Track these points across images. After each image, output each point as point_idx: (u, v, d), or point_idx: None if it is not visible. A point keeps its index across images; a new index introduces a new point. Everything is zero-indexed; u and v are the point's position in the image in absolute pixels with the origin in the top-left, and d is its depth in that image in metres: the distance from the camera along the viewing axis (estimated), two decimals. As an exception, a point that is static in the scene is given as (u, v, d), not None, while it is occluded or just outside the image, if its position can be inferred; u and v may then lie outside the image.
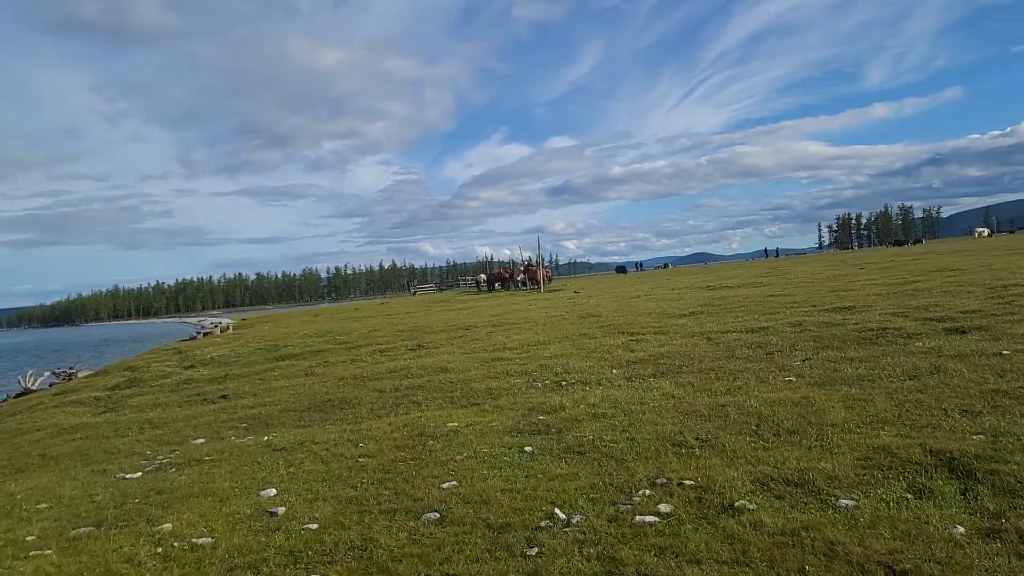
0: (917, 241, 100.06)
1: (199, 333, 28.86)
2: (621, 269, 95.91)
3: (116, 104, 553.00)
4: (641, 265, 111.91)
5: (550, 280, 43.16)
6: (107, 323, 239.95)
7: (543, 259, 46.10)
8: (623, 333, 13.12)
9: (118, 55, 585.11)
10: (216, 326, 31.66)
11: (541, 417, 7.02)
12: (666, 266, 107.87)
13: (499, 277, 53.90)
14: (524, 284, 48.52)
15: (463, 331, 17.03)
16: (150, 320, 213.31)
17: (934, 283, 16.15)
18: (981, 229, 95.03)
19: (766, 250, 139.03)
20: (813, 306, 13.95)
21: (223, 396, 11.54)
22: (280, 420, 8.79)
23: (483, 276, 60.41)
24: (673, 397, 7.32)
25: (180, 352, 22.88)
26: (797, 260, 63.37)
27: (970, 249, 39.35)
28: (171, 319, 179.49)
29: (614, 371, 9.33)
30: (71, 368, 28.12)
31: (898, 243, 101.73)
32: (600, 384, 8.61)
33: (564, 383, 8.93)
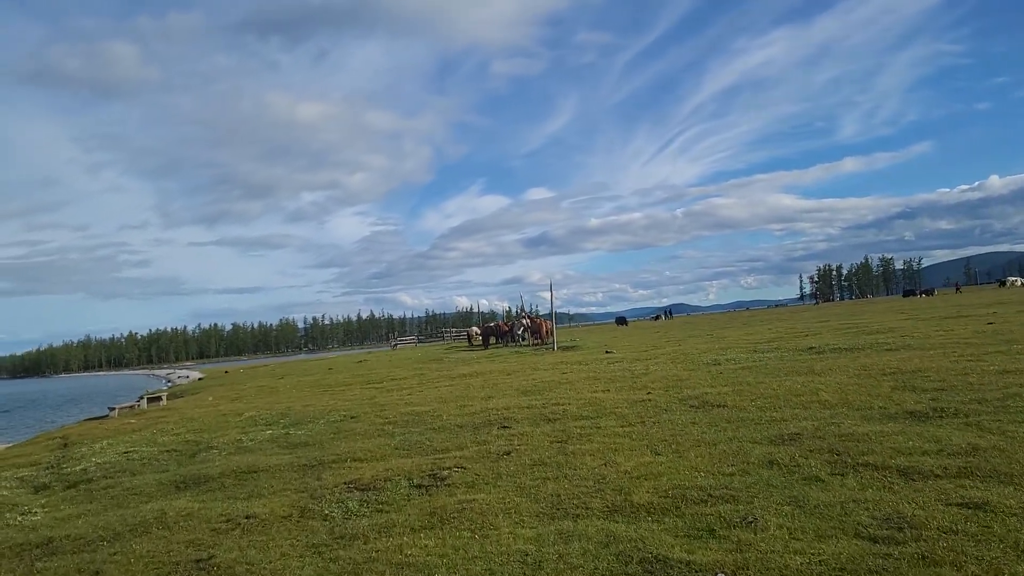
0: (928, 292, 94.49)
1: (113, 410, 21.54)
2: (621, 320, 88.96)
3: (95, 155, 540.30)
4: (671, 312, 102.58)
5: (550, 334, 36.72)
6: (77, 374, 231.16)
7: (539, 312, 39.30)
8: (874, 467, 6.17)
9: (98, 107, 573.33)
10: (142, 398, 24.37)
11: None
12: (665, 316, 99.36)
13: (496, 330, 46.82)
14: (524, 339, 41.49)
15: (500, 432, 10.03)
16: (120, 372, 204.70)
17: None
18: (1014, 278, 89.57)
19: (810, 295, 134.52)
20: None
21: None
22: None
23: (476, 329, 53.18)
24: None
25: (64, 446, 15.68)
26: (848, 308, 56.72)
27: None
28: (141, 370, 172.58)
29: None
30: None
31: (908, 293, 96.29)
32: None
33: None
